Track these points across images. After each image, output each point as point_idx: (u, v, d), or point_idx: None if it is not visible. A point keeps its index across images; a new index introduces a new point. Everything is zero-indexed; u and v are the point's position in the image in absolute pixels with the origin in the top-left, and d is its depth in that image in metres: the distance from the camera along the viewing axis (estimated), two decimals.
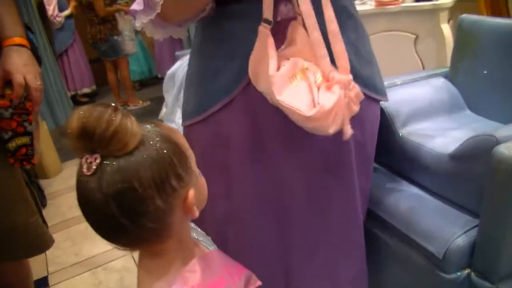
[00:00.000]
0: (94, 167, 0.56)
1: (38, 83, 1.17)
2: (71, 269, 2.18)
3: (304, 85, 0.91)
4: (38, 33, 3.65)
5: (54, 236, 2.43)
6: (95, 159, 0.57)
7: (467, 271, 1.08)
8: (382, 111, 1.35)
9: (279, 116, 0.98)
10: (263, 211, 1.11)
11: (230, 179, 1.09)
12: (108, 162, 0.57)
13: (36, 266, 2.20)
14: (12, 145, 1.18)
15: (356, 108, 0.93)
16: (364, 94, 1.07)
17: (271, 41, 0.90)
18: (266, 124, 1.02)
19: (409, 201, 1.24)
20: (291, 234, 1.13)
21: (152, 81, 5.66)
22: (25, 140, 1.19)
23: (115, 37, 4.43)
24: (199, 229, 0.82)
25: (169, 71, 2.96)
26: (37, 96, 1.17)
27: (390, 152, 1.37)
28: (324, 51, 0.91)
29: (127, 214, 0.58)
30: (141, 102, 4.91)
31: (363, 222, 1.26)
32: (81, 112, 0.56)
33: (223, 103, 1.02)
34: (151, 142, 0.60)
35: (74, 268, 2.18)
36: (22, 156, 1.20)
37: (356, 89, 0.91)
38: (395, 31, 2.11)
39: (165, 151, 0.60)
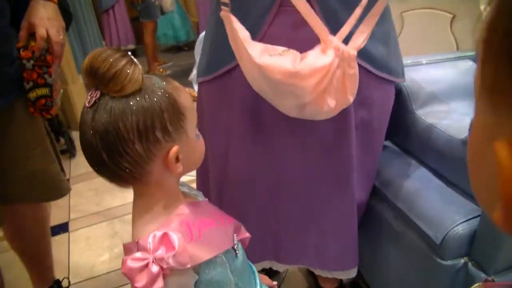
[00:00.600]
0: (93, 101, 0.63)
1: (61, 37, 1.20)
2: (90, 218, 2.27)
3: (289, 56, 0.92)
4: None
5: (79, 185, 2.57)
6: (96, 94, 0.63)
7: (464, 259, 1.06)
8: (400, 89, 1.32)
9: None
10: (255, 175, 1.12)
11: (229, 140, 1.11)
12: (103, 99, 0.62)
13: (59, 212, 2.32)
14: (32, 95, 1.23)
15: (351, 71, 0.92)
16: (374, 74, 1.06)
17: (236, 26, 0.92)
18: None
19: (416, 182, 1.21)
20: (281, 201, 1.15)
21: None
22: (44, 91, 1.23)
23: None
24: (190, 185, 0.85)
25: (201, 34, 2.96)
26: (57, 50, 1.20)
27: (404, 131, 1.34)
28: (315, 17, 0.91)
29: (107, 150, 0.63)
30: (161, 70, 4.92)
31: (364, 202, 1.25)
32: (94, 52, 0.62)
33: (227, 68, 1.04)
34: (149, 93, 0.64)
35: (93, 217, 2.28)
36: (41, 107, 1.25)
37: (348, 52, 0.90)
38: (431, 9, 2.03)
39: (159, 104, 0.64)
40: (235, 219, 0.81)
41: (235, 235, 0.79)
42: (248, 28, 0.98)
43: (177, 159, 0.67)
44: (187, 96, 0.70)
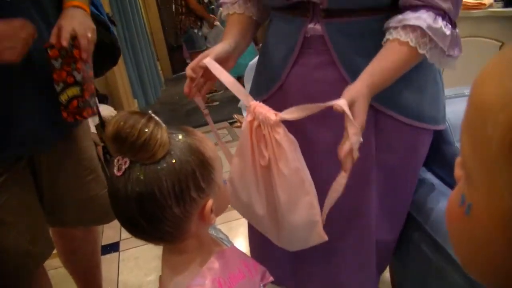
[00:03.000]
0: (123, 169, 0.62)
1: (88, 34, 1.19)
2: None
3: None
4: (140, 21, 3.91)
5: None
6: (125, 162, 0.62)
7: None
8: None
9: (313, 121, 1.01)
10: None
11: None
12: (134, 167, 0.62)
13: (111, 231, 2.43)
14: (64, 97, 1.19)
15: (277, 136, 0.92)
16: (401, 121, 1.08)
17: None
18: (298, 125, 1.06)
19: None
20: None
21: None
22: (75, 91, 1.19)
23: (195, 30, 4.53)
24: (218, 227, 0.88)
25: (251, 62, 3.03)
26: (84, 43, 1.18)
27: (444, 163, 1.32)
28: (236, 84, 0.99)
29: (146, 217, 0.63)
30: (208, 100, 4.94)
31: (393, 241, 1.27)
32: (118, 117, 0.61)
33: (261, 99, 1.10)
34: (178, 153, 0.63)
35: None
36: (74, 109, 1.21)
37: (265, 115, 0.92)
38: (478, 37, 1.99)
39: (189, 163, 0.64)
40: (260, 265, 0.82)
41: (261, 284, 0.80)
42: (273, 69, 1.08)
43: (211, 210, 0.68)
44: (211, 146, 0.70)
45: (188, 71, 1.02)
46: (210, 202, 0.67)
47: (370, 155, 1.08)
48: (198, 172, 0.65)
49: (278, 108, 1.08)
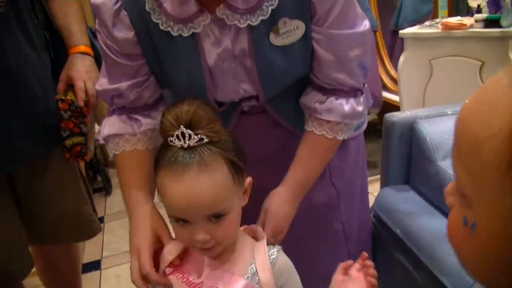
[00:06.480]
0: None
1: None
2: (122, 256, 2.31)
3: None
4: None
5: (113, 223, 2.64)
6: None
7: None
8: (424, 140, 1.33)
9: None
10: None
11: None
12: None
13: (93, 249, 2.38)
14: (68, 142, 1.30)
15: None
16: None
17: None
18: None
19: (438, 234, 1.20)
20: None
21: None
22: (80, 139, 1.30)
23: None
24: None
25: None
26: (93, 101, 1.27)
27: (427, 181, 1.34)
28: None
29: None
30: None
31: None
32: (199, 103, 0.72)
33: None
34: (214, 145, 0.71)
35: (125, 256, 2.31)
36: (76, 153, 1.32)
37: None
38: (460, 57, 2.03)
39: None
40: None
41: None
42: None
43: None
44: None
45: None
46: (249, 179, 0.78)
47: (333, 201, 1.09)
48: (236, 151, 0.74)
49: None
